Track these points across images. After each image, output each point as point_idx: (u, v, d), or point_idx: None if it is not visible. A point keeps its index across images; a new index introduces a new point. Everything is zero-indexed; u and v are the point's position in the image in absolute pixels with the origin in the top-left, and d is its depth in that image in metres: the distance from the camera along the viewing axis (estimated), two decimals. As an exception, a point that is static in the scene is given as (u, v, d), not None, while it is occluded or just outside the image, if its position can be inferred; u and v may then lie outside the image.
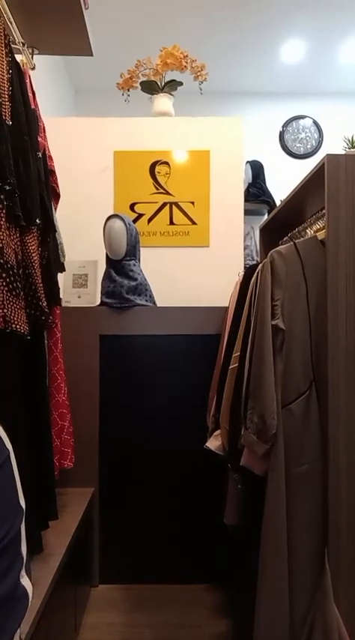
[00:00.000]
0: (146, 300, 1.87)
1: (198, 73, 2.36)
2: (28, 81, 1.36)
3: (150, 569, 1.79)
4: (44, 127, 1.50)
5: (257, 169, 3.55)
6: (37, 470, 1.17)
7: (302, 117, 3.81)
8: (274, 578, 1.13)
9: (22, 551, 0.59)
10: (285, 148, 3.80)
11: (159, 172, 2.36)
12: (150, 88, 2.41)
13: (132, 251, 1.87)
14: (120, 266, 1.85)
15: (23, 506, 0.61)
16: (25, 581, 0.59)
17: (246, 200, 2.76)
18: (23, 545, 0.59)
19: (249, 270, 1.45)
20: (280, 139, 3.81)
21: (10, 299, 1.04)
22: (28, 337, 1.12)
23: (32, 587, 0.59)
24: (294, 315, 1.19)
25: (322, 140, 3.79)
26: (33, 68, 1.59)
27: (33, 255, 1.20)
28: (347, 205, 1.17)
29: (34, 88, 1.44)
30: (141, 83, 2.42)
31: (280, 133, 3.81)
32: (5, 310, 1.03)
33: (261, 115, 3.78)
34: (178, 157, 2.36)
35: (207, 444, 1.48)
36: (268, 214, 3.39)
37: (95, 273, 2.04)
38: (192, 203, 2.35)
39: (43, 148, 1.43)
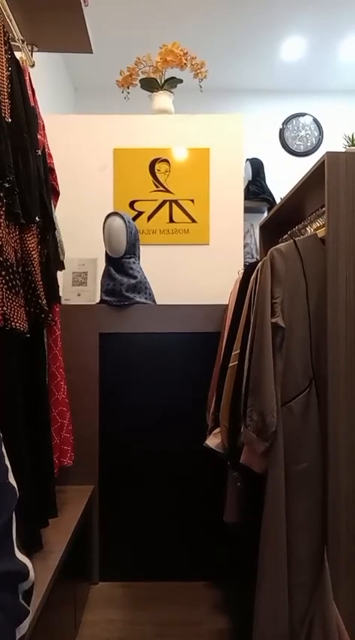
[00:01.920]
0: (145, 298, 1.87)
1: (198, 71, 2.35)
2: (27, 78, 1.36)
3: (150, 567, 1.79)
4: (44, 125, 1.50)
5: (257, 167, 3.55)
6: (37, 468, 1.18)
7: (303, 114, 3.80)
8: (273, 575, 1.14)
9: (6, 463, 0.70)
10: (285, 145, 3.80)
11: (158, 170, 2.35)
12: (150, 85, 2.41)
13: (132, 249, 1.86)
14: (120, 264, 1.85)
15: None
16: (12, 480, 0.69)
17: (245, 198, 2.77)
18: (6, 459, 0.70)
19: (249, 268, 1.45)
20: (280, 137, 3.80)
21: (10, 297, 1.04)
22: (28, 335, 1.12)
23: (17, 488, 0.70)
24: (294, 313, 1.19)
25: (322, 138, 3.79)
26: (32, 65, 1.59)
27: (32, 253, 1.20)
28: (347, 203, 1.17)
29: (34, 86, 1.43)
30: (140, 81, 2.41)
31: (280, 130, 3.81)
32: (5, 308, 1.03)
33: (261, 112, 3.77)
34: (178, 154, 2.36)
35: (206, 442, 1.48)
36: (268, 212, 3.39)
37: (95, 271, 2.03)
38: (192, 201, 2.35)
39: (42, 146, 1.42)
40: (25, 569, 0.64)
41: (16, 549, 0.64)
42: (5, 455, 0.70)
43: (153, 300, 1.92)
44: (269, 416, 1.13)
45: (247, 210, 2.77)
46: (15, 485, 0.69)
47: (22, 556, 0.65)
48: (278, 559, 1.14)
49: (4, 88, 1.11)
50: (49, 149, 1.53)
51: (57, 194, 1.62)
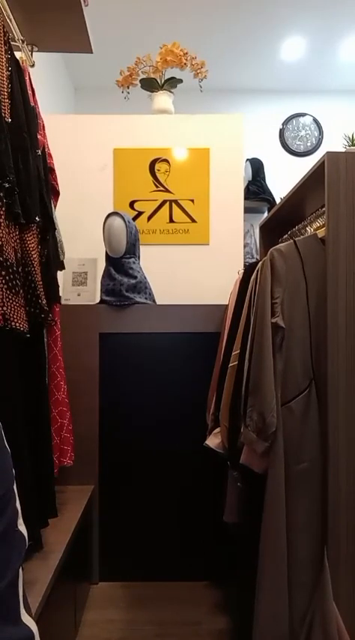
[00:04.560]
0: (145, 298, 1.87)
1: (198, 71, 2.35)
2: (27, 78, 1.36)
3: (150, 567, 1.79)
4: (44, 125, 1.50)
5: (257, 167, 3.55)
6: (37, 468, 1.18)
7: (303, 114, 3.80)
8: (273, 575, 1.14)
9: (17, 506, 0.63)
10: (285, 145, 3.80)
11: (158, 170, 2.35)
12: (150, 85, 2.41)
13: (132, 249, 1.86)
14: (120, 264, 1.85)
15: (14, 473, 0.65)
16: (22, 528, 0.62)
17: (245, 198, 2.76)
18: (16, 502, 0.64)
19: (249, 268, 1.45)
20: (280, 137, 3.80)
21: (10, 297, 1.04)
22: (28, 335, 1.12)
23: (27, 534, 0.63)
24: (294, 313, 1.19)
25: (322, 138, 3.79)
26: (32, 65, 1.59)
27: (32, 253, 1.20)
28: (347, 203, 1.17)
29: (34, 86, 1.43)
30: (140, 81, 2.41)
31: (280, 130, 3.81)
32: (5, 308, 1.03)
33: (261, 112, 3.77)
34: (178, 154, 2.36)
35: (206, 442, 1.48)
36: (268, 212, 3.39)
37: (95, 271, 2.04)
38: (192, 201, 2.35)
39: (42, 146, 1.42)
40: (30, 636, 0.57)
41: (22, 611, 0.57)
42: (17, 495, 0.63)
43: (153, 300, 1.92)
44: (269, 416, 1.13)
45: (247, 210, 2.77)
46: (25, 532, 0.62)
47: (28, 619, 0.58)
48: (278, 559, 1.13)
49: (4, 88, 1.11)
50: (49, 149, 1.53)
51: (57, 194, 1.62)
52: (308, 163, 1.29)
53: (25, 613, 0.58)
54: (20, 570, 0.59)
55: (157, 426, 1.81)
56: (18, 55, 1.37)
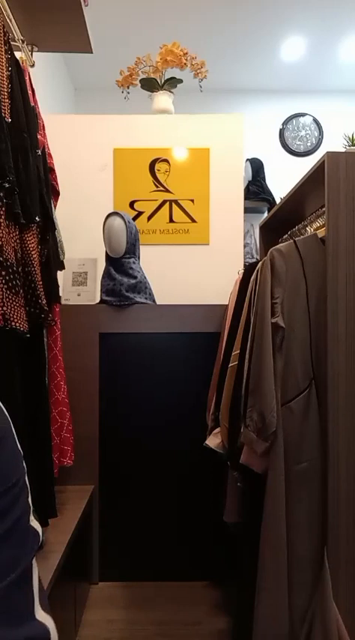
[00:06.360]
0: (145, 298, 1.87)
1: (198, 71, 2.35)
2: (27, 78, 1.36)
3: (150, 567, 1.79)
4: (44, 125, 1.50)
5: (257, 167, 3.54)
6: (37, 468, 1.18)
7: (303, 114, 3.80)
8: (273, 575, 1.14)
9: (29, 502, 0.62)
10: (285, 145, 3.80)
11: (158, 170, 2.35)
12: (150, 85, 2.41)
13: (132, 249, 1.86)
14: (120, 264, 1.85)
15: (25, 468, 0.64)
16: (35, 524, 0.61)
17: (245, 198, 2.76)
18: (28, 497, 0.62)
19: (249, 268, 1.46)
20: (280, 137, 3.80)
21: (10, 297, 1.04)
22: (28, 335, 1.12)
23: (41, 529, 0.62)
24: (294, 312, 1.19)
25: (322, 138, 3.79)
26: (32, 65, 1.59)
27: (32, 253, 1.20)
28: (347, 203, 1.17)
29: (34, 86, 1.43)
30: (140, 80, 2.41)
31: (280, 130, 3.81)
32: (5, 308, 1.03)
33: (261, 112, 3.77)
34: (178, 154, 2.36)
35: (206, 442, 1.48)
36: (268, 212, 3.39)
37: (95, 271, 2.04)
38: (192, 201, 2.35)
39: (42, 146, 1.42)
40: (46, 634, 0.54)
41: (36, 606, 0.54)
42: (29, 490, 0.61)
43: (153, 300, 1.92)
44: (269, 416, 1.13)
45: (247, 210, 2.77)
46: (38, 528, 0.60)
47: (44, 615, 0.55)
48: (278, 559, 1.14)
49: (4, 88, 1.11)
50: (49, 149, 1.53)
51: (57, 194, 1.62)
52: (308, 163, 1.29)
53: (40, 609, 0.55)
54: (34, 565, 0.56)
55: (157, 426, 1.81)
56: (18, 55, 1.37)
